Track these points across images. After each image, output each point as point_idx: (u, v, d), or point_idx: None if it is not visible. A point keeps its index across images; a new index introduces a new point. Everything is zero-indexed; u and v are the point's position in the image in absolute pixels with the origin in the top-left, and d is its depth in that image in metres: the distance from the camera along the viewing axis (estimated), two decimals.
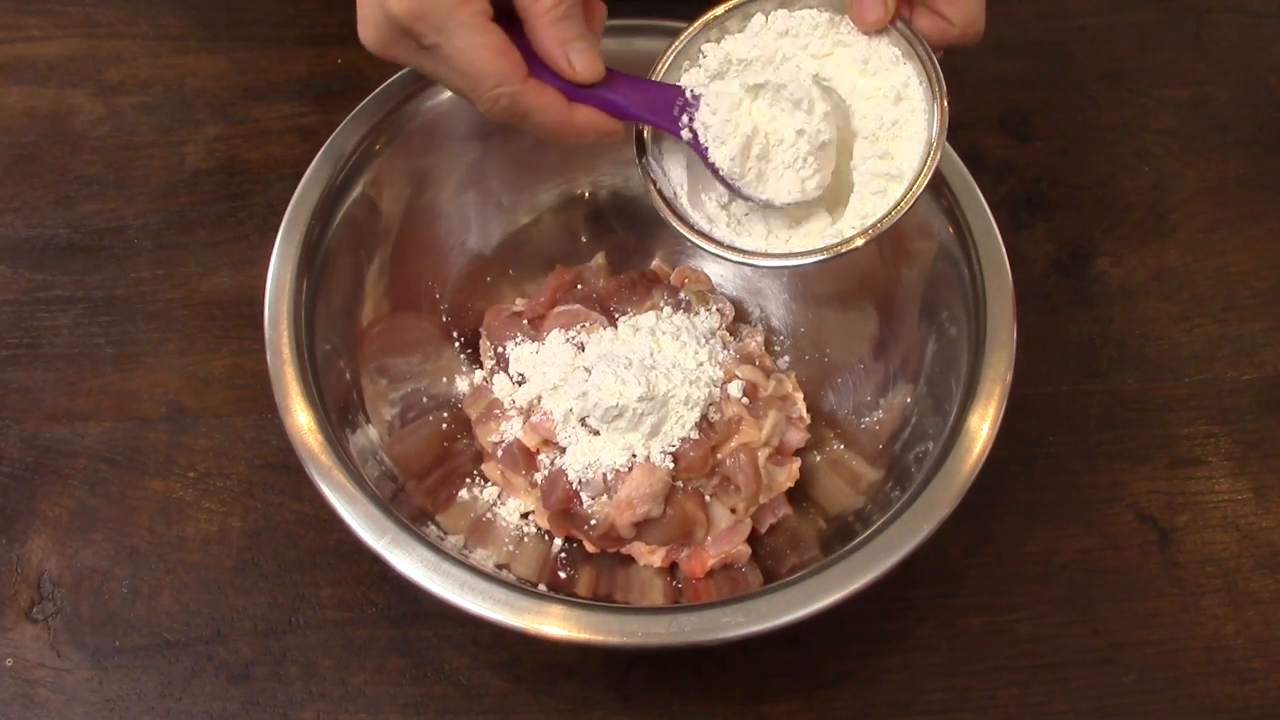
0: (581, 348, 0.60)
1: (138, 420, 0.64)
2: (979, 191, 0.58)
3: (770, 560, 0.58)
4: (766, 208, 0.52)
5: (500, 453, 0.59)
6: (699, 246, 0.52)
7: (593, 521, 0.56)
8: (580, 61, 0.50)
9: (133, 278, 0.68)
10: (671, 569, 0.58)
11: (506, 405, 0.61)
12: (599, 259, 0.67)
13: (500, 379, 0.62)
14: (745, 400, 0.59)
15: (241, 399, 0.64)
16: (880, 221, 0.50)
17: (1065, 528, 0.62)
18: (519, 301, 0.66)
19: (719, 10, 0.52)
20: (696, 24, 0.53)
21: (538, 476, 0.58)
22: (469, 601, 0.48)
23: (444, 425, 0.61)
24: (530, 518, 0.59)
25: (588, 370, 0.57)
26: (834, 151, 0.52)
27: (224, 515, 0.61)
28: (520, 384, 0.61)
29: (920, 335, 0.59)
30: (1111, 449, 0.64)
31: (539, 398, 0.59)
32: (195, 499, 0.62)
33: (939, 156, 0.49)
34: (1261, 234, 0.72)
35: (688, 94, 0.51)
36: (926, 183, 0.49)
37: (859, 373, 0.62)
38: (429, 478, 0.59)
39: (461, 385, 0.63)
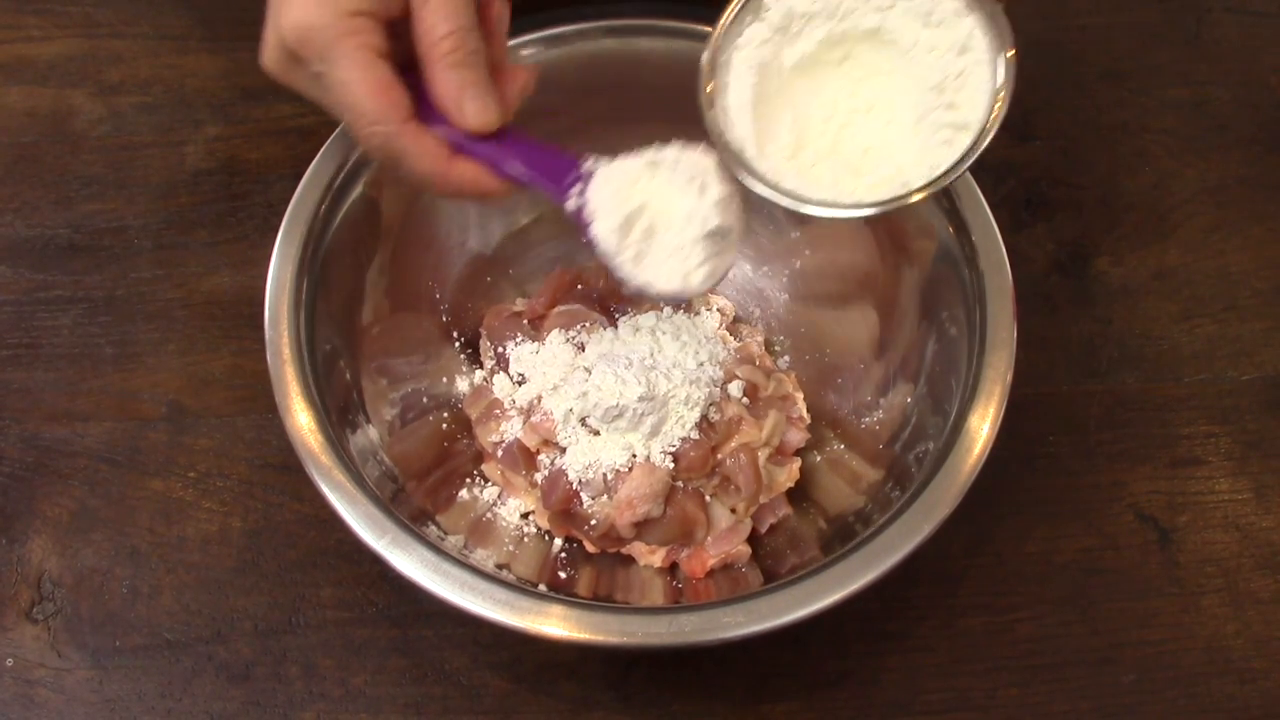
0: (581, 348, 0.60)
1: (138, 420, 0.64)
2: (979, 191, 0.57)
3: (770, 560, 0.58)
4: (645, 292, 0.52)
5: (500, 453, 0.59)
6: (767, 198, 0.52)
7: (593, 521, 0.56)
8: (473, 109, 0.48)
9: (133, 278, 0.68)
10: (671, 569, 0.58)
11: (506, 405, 0.61)
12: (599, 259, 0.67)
13: (500, 379, 0.62)
14: (745, 400, 0.59)
15: (241, 399, 0.64)
16: (949, 171, 0.50)
17: (1065, 528, 0.62)
18: (519, 301, 0.66)
19: None
20: None
21: (538, 476, 0.58)
22: (469, 601, 0.48)
23: (444, 425, 0.61)
24: (530, 518, 0.59)
25: (588, 370, 0.57)
26: (733, 242, 0.51)
27: (224, 515, 0.61)
28: (520, 384, 0.61)
29: (920, 335, 0.59)
30: (1111, 449, 0.64)
31: (539, 398, 0.59)
32: (195, 499, 0.62)
33: (1007, 106, 0.49)
34: (1261, 234, 0.72)
35: (583, 168, 0.51)
36: (995, 130, 0.49)
37: (859, 373, 0.62)
38: (429, 478, 0.59)
39: (461, 385, 0.63)
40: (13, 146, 0.73)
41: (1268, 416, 0.66)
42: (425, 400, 0.61)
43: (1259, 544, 0.62)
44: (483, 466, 0.61)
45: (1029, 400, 0.64)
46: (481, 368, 0.64)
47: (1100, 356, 0.67)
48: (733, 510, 0.58)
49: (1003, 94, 0.49)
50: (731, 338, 0.64)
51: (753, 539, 0.58)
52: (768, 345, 0.66)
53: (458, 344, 0.64)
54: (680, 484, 0.57)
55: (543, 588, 0.52)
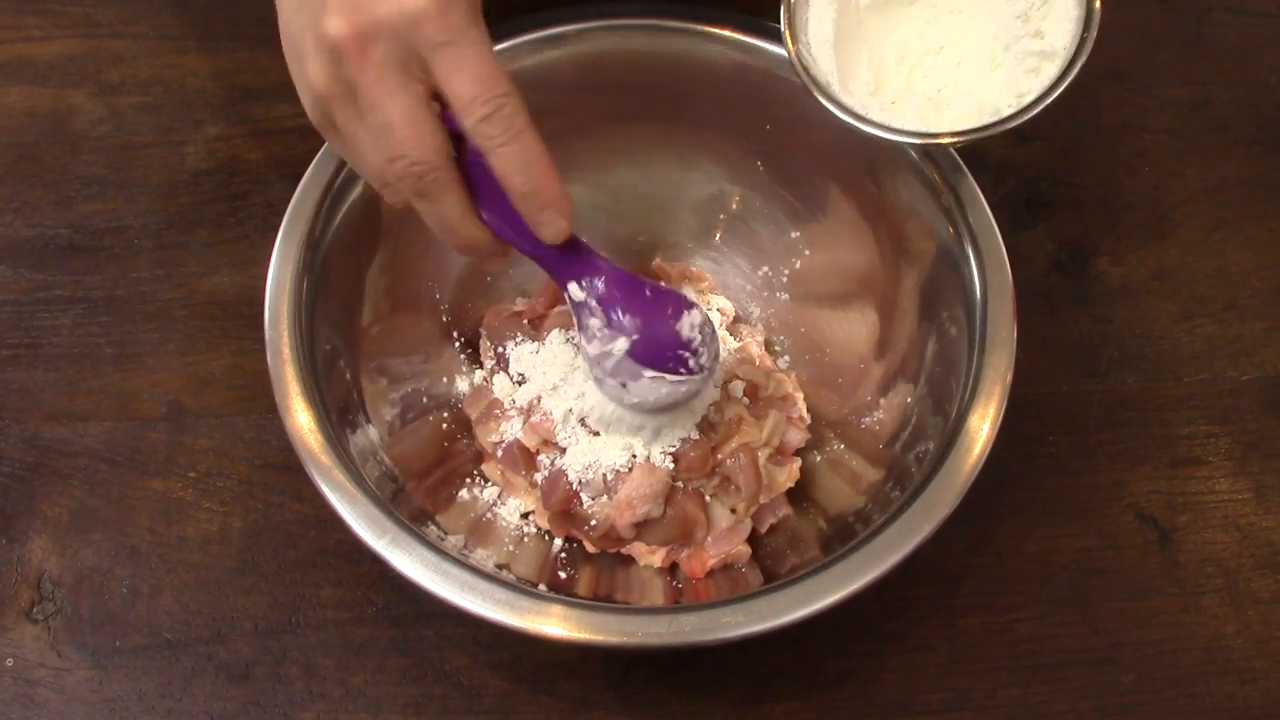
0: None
1: (138, 420, 0.64)
2: (979, 191, 0.57)
3: (770, 560, 0.58)
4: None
5: (500, 453, 0.59)
6: (856, 128, 0.52)
7: (593, 522, 0.56)
8: (552, 219, 0.48)
9: (133, 278, 0.68)
10: (672, 569, 0.58)
11: (506, 405, 0.61)
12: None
13: (500, 379, 0.62)
14: (745, 400, 0.59)
15: (241, 399, 0.64)
16: (1040, 99, 0.50)
17: (1065, 528, 0.62)
18: (519, 301, 0.66)
19: None
20: None
21: (538, 477, 0.58)
22: (469, 601, 0.48)
23: (444, 425, 0.61)
24: (530, 518, 0.59)
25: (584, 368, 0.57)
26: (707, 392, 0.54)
27: (224, 515, 0.61)
28: (520, 384, 0.61)
29: (920, 335, 0.59)
30: (1111, 449, 0.64)
31: (539, 398, 0.59)
32: (195, 499, 0.62)
33: (1095, 32, 0.49)
34: (1261, 234, 0.72)
35: (599, 282, 0.52)
36: (1085, 57, 0.49)
37: (859, 373, 0.62)
38: (429, 478, 0.59)
39: (461, 385, 0.63)
40: (13, 146, 0.72)
41: (1268, 416, 0.66)
42: (425, 400, 0.61)
43: (1259, 544, 0.62)
44: (483, 466, 0.61)
45: (1029, 400, 0.64)
46: (481, 368, 0.64)
47: (1100, 356, 0.67)
48: (733, 510, 0.58)
49: (1094, 19, 0.49)
50: (731, 338, 0.64)
51: (753, 539, 0.58)
52: (768, 345, 0.66)
53: (458, 344, 0.64)
54: (680, 484, 0.57)
55: (543, 588, 0.52)
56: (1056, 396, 0.66)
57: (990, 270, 0.56)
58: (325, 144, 0.58)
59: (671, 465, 0.56)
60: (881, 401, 0.60)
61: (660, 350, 0.52)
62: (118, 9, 0.78)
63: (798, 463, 0.60)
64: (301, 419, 0.52)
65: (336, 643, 0.58)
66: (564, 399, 0.57)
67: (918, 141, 0.52)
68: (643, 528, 0.56)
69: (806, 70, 0.53)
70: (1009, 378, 0.53)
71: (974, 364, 0.54)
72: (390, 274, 0.61)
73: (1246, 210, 0.73)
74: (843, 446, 0.61)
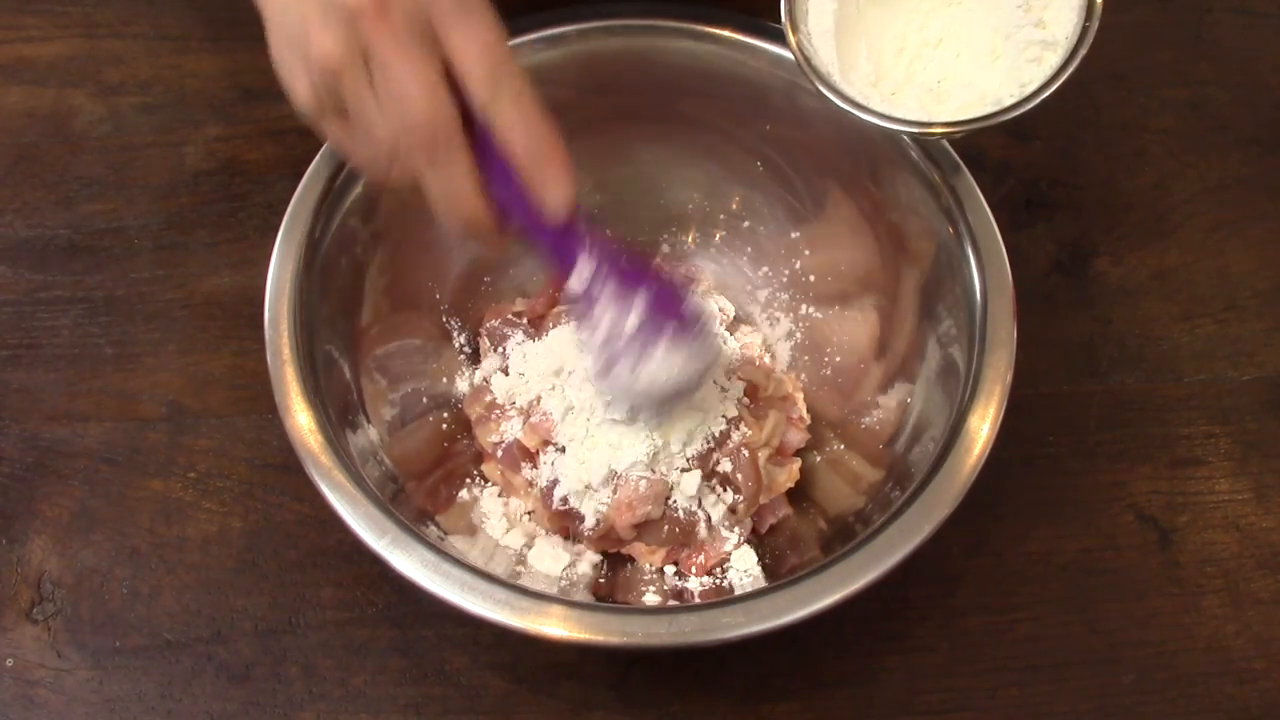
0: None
1: (138, 420, 0.64)
2: (979, 191, 0.57)
3: (770, 560, 0.58)
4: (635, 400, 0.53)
5: (500, 453, 0.59)
6: (857, 118, 0.52)
7: (592, 522, 0.56)
8: (559, 185, 0.48)
9: (133, 278, 0.68)
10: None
11: (506, 405, 0.61)
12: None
13: (500, 379, 0.62)
14: (745, 400, 0.59)
15: (241, 399, 0.64)
16: (1042, 88, 0.50)
17: (1065, 528, 0.62)
18: (519, 301, 0.66)
19: None
20: None
21: (535, 476, 0.58)
22: (469, 601, 0.48)
23: (444, 425, 0.61)
24: (530, 518, 0.59)
25: (585, 368, 0.57)
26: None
27: (224, 515, 0.61)
28: (520, 384, 0.61)
29: (920, 335, 0.59)
30: (1111, 449, 0.64)
31: (539, 398, 0.59)
32: (195, 499, 0.62)
33: (1097, 22, 0.49)
34: (1261, 234, 0.72)
35: (607, 259, 0.51)
36: (1087, 47, 0.49)
37: (859, 373, 0.62)
38: (429, 478, 0.59)
39: (461, 385, 0.63)
40: (13, 147, 0.72)
41: (1268, 416, 0.66)
42: (425, 400, 0.61)
43: (1259, 544, 0.62)
44: (483, 466, 0.61)
45: (1029, 400, 0.64)
46: (481, 368, 0.64)
47: (1100, 356, 0.67)
48: (733, 510, 0.58)
49: (1096, 9, 0.49)
50: (731, 338, 0.64)
51: (753, 539, 0.58)
52: (767, 345, 0.65)
53: (458, 344, 0.64)
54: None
55: (543, 588, 0.52)
56: (1056, 396, 0.66)
57: (990, 270, 0.56)
58: (325, 144, 0.58)
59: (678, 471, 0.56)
60: (881, 401, 0.60)
61: (671, 320, 0.51)
62: (118, 9, 0.78)
63: (798, 463, 0.60)
64: (301, 419, 0.52)
65: (336, 643, 0.58)
66: (564, 399, 0.57)
67: (919, 131, 0.52)
68: (643, 528, 0.56)
69: (808, 60, 0.52)
70: (1009, 378, 0.53)
71: (974, 364, 0.54)
72: (390, 274, 0.61)
73: (1246, 210, 0.73)
74: (843, 446, 0.61)
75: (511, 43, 0.60)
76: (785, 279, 0.66)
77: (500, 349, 0.62)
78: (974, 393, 0.53)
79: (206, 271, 0.68)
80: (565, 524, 0.58)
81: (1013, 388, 0.53)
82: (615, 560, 0.59)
